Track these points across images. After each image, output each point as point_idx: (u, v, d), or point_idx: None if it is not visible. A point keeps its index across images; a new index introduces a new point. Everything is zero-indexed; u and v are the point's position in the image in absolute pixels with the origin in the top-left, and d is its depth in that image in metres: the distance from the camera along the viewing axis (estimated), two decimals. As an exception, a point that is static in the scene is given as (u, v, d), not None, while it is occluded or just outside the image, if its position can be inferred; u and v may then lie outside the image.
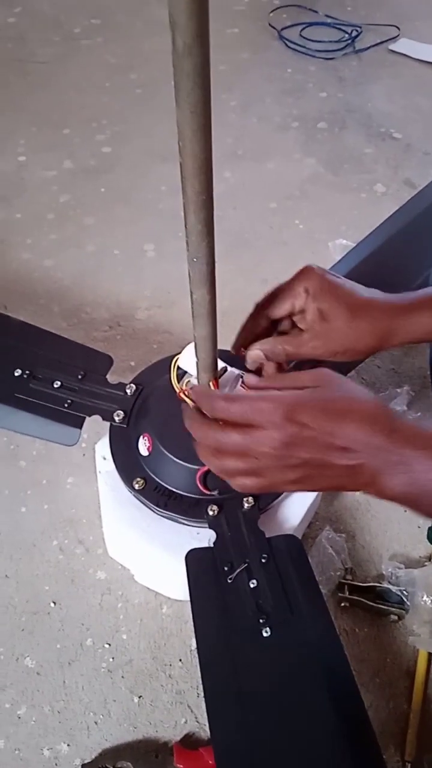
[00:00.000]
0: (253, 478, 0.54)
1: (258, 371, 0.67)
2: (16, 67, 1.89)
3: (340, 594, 0.83)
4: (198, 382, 0.65)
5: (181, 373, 0.70)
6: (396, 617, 0.82)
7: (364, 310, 0.62)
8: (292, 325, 0.66)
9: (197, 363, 0.62)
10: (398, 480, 0.50)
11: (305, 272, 0.63)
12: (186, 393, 0.71)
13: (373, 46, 1.99)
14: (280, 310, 0.63)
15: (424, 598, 0.82)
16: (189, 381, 0.68)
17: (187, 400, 0.72)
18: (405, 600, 0.82)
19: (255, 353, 0.65)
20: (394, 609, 0.82)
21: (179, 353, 0.70)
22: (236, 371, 0.72)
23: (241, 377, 0.74)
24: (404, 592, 0.82)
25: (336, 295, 0.62)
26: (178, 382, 0.70)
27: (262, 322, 0.64)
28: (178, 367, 0.69)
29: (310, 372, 0.55)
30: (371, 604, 0.82)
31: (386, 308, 0.63)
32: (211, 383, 0.63)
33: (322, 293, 0.62)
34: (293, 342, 0.64)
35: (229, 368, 0.71)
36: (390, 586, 0.83)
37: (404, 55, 1.96)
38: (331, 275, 0.63)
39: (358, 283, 0.65)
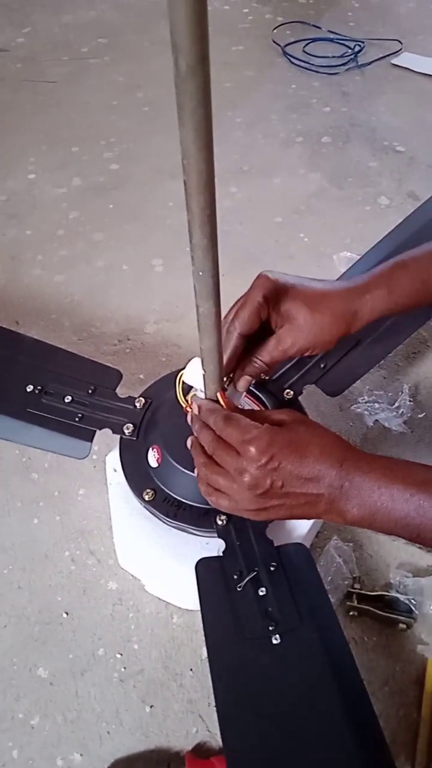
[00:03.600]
0: (226, 497, 0.61)
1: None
2: (25, 87, 1.93)
3: (348, 603, 0.84)
4: (206, 393, 0.66)
5: (187, 388, 0.71)
6: (405, 626, 0.83)
7: (322, 302, 0.66)
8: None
9: (204, 375, 0.63)
10: (352, 504, 0.56)
11: (259, 280, 0.66)
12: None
13: (376, 60, 2.02)
14: (249, 326, 0.66)
15: (433, 606, 0.82)
16: (195, 395, 0.70)
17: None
18: (413, 609, 0.83)
19: (243, 381, 0.69)
20: (402, 618, 0.82)
21: (183, 368, 0.71)
22: None
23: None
24: (412, 600, 0.83)
25: (293, 295, 0.66)
26: (185, 397, 0.71)
27: (239, 343, 0.67)
28: (183, 383, 0.71)
29: (280, 411, 0.64)
30: (380, 612, 0.83)
31: (342, 294, 0.67)
32: (218, 394, 0.64)
33: (279, 297, 0.66)
34: (265, 352, 0.68)
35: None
36: (398, 595, 0.84)
37: (407, 68, 1.98)
38: (284, 277, 0.67)
39: (312, 278, 0.69)
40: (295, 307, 0.65)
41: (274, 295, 0.66)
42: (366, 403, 1.05)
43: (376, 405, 1.05)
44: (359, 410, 1.05)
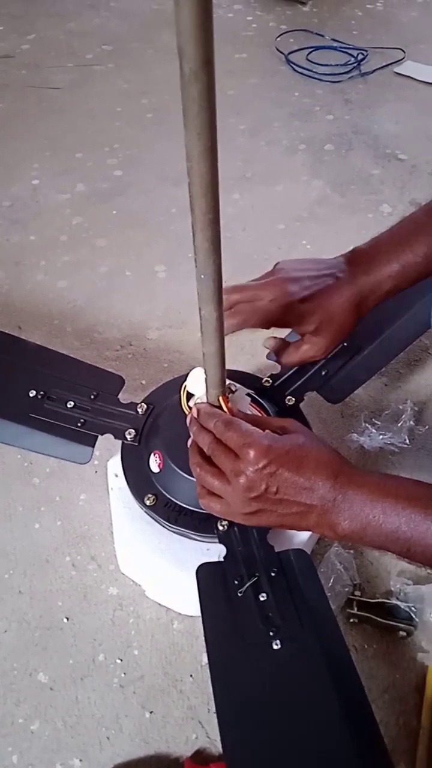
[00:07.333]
0: (219, 500, 0.62)
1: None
2: (30, 93, 1.94)
3: (348, 610, 0.84)
4: (207, 397, 0.66)
5: (190, 396, 0.72)
6: (405, 633, 0.83)
7: (335, 307, 0.71)
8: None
9: (206, 379, 0.63)
10: (343, 517, 0.57)
11: (274, 282, 0.73)
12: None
13: (379, 68, 2.03)
14: (251, 326, 0.72)
15: (433, 614, 0.82)
16: (198, 401, 0.70)
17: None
18: (413, 616, 0.83)
19: (272, 340, 0.78)
20: (402, 625, 0.82)
21: (187, 378, 0.72)
22: (246, 391, 0.74)
23: (250, 397, 0.76)
24: (413, 608, 0.83)
25: (308, 304, 0.71)
26: (188, 404, 0.72)
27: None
28: (188, 392, 0.71)
29: (282, 419, 0.65)
30: (380, 620, 0.83)
31: (352, 285, 0.72)
32: (220, 398, 0.64)
33: (291, 307, 0.70)
34: (296, 357, 0.75)
35: (240, 388, 0.72)
36: (398, 603, 0.83)
37: (409, 77, 1.99)
38: (297, 280, 0.73)
39: (319, 259, 0.76)
40: (313, 319, 0.71)
41: (285, 305, 0.70)
42: (366, 430, 1.05)
43: (379, 432, 1.04)
44: (361, 440, 1.04)
